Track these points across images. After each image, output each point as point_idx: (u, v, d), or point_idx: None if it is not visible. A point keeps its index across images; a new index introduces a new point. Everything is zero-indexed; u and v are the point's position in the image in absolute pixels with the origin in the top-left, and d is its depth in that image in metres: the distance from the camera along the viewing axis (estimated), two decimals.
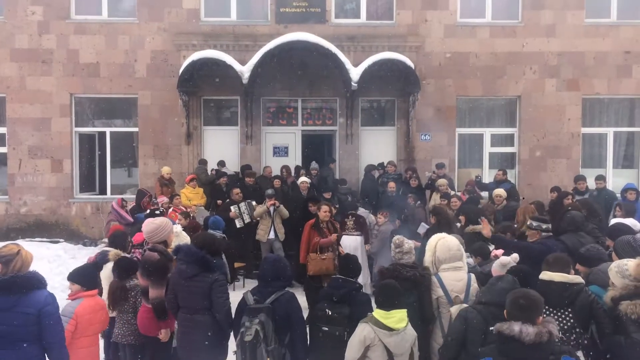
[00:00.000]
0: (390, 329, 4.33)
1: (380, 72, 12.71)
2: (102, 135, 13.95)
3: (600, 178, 10.85)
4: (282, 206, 10.38)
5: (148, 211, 8.94)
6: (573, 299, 4.42)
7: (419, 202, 10.81)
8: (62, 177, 13.47)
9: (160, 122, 13.44)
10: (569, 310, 4.40)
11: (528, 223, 6.37)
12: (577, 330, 4.39)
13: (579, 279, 4.57)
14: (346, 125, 13.58)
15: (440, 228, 7.14)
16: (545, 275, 4.55)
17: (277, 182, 11.68)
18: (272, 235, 10.38)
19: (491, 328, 4.08)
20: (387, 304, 4.42)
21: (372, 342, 4.33)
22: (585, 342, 4.40)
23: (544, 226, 6.12)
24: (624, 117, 14.20)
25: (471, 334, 4.28)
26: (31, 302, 3.92)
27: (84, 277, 5.08)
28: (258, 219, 10.59)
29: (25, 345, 3.94)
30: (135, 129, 13.67)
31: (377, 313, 4.40)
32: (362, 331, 4.38)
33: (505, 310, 3.54)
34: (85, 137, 14.04)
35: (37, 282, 4.02)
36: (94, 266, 5.30)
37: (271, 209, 10.32)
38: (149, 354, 5.44)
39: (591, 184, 11.26)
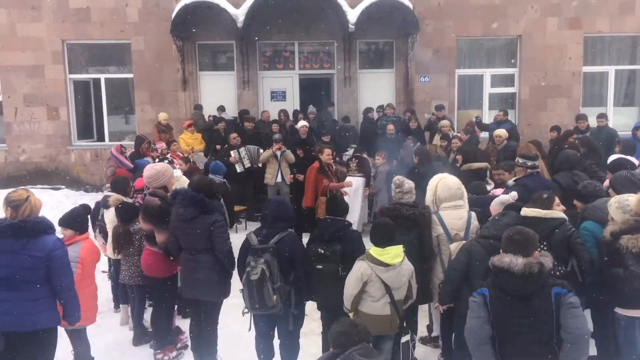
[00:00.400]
0: (386, 265, 4.45)
1: (378, 13, 12.43)
2: (97, 82, 13.76)
3: (602, 116, 10.77)
4: (288, 151, 10.37)
5: (157, 160, 8.94)
6: (548, 233, 4.55)
7: (418, 143, 10.78)
8: (59, 124, 13.37)
9: (155, 68, 13.23)
10: (544, 243, 4.52)
11: (515, 160, 6.40)
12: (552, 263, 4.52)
13: (556, 214, 4.67)
14: (344, 69, 13.40)
15: (422, 166, 7.53)
16: (524, 211, 4.69)
17: (275, 127, 11.62)
18: (279, 179, 10.41)
19: None
20: (382, 241, 4.54)
21: (370, 278, 4.47)
22: (558, 273, 4.52)
23: (530, 163, 6.13)
24: (625, 55, 14.00)
25: (474, 266, 4.43)
26: (40, 246, 3.98)
27: (77, 222, 5.11)
28: (260, 164, 10.62)
29: (34, 286, 4.02)
30: (130, 75, 13.47)
31: (374, 250, 4.52)
32: (359, 268, 4.51)
33: (501, 247, 3.61)
34: (81, 84, 13.85)
35: (46, 227, 4.08)
36: (83, 210, 5.29)
37: (278, 153, 10.30)
38: (155, 294, 5.56)
39: (592, 122, 11.21)
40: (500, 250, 3.62)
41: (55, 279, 4.07)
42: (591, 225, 4.80)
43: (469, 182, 6.66)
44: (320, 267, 4.78)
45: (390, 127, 11.14)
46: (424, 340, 5.81)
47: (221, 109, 12.83)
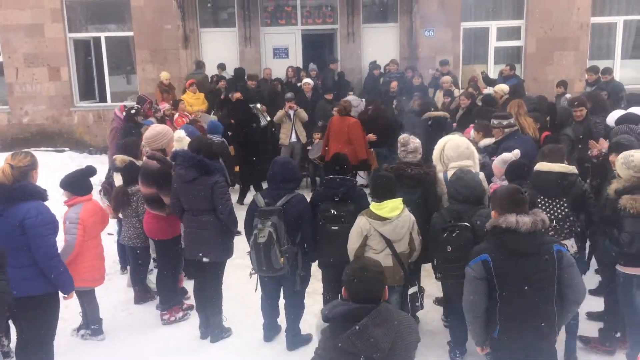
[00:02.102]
0: (383, 219, 4.50)
1: None
2: (97, 40, 13.58)
3: (606, 71, 10.56)
4: (301, 109, 10.20)
5: (151, 118, 8.89)
6: (568, 189, 4.56)
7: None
8: (60, 85, 13.26)
9: (155, 26, 13.02)
10: (564, 200, 4.55)
11: (490, 122, 6.24)
12: (571, 218, 4.57)
13: (574, 169, 4.66)
14: (347, 23, 13.15)
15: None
16: (544, 166, 4.63)
17: (277, 84, 11.47)
18: (293, 139, 10.28)
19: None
20: (379, 196, 4.57)
21: (369, 232, 4.55)
22: (579, 229, 4.56)
23: (505, 122, 5.96)
24: (635, 5, 13.60)
25: (433, 237, 4.62)
26: (14, 214, 3.91)
27: (74, 185, 5.02)
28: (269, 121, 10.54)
29: (18, 253, 3.98)
30: (131, 34, 13.28)
31: (372, 205, 4.59)
32: (359, 223, 4.59)
33: (497, 208, 3.60)
34: (81, 44, 13.69)
35: (20, 195, 3.94)
36: (84, 172, 5.22)
37: (291, 112, 10.14)
38: (160, 256, 5.61)
39: None
40: (494, 211, 3.62)
41: (32, 247, 3.98)
42: None
43: (428, 132, 6.66)
44: (336, 228, 4.78)
45: (394, 84, 11.00)
46: None
47: (222, 67, 12.63)
